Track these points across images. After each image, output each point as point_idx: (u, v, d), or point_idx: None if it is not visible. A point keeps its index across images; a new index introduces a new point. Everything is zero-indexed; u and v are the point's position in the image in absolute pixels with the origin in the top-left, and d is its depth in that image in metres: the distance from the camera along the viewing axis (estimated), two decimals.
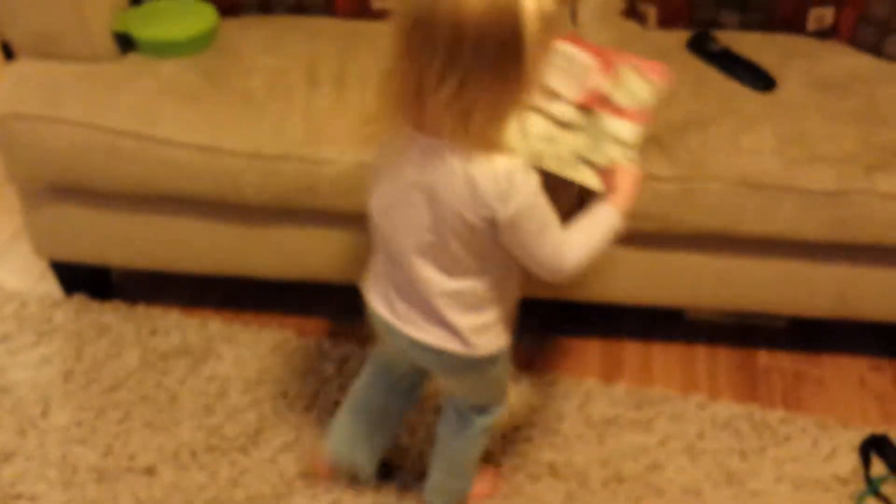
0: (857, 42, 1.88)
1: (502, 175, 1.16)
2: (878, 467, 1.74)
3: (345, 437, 1.61)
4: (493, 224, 1.20)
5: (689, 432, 1.79)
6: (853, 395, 1.91)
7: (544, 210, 1.22)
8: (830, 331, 2.00)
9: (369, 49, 1.85)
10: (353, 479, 1.65)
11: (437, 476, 1.60)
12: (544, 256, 1.25)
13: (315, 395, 1.83)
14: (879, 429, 1.80)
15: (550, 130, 1.37)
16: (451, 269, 1.27)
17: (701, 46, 1.89)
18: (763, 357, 1.98)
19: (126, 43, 1.81)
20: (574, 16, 2.02)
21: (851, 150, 1.68)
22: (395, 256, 1.30)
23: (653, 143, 1.68)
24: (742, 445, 1.77)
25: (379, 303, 1.38)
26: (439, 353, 1.34)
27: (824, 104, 1.75)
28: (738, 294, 1.83)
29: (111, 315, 1.99)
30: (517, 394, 1.81)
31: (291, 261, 1.88)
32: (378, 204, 1.30)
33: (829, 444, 1.78)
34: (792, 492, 1.70)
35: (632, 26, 1.98)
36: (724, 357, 1.98)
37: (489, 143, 1.16)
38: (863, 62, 1.86)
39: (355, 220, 1.77)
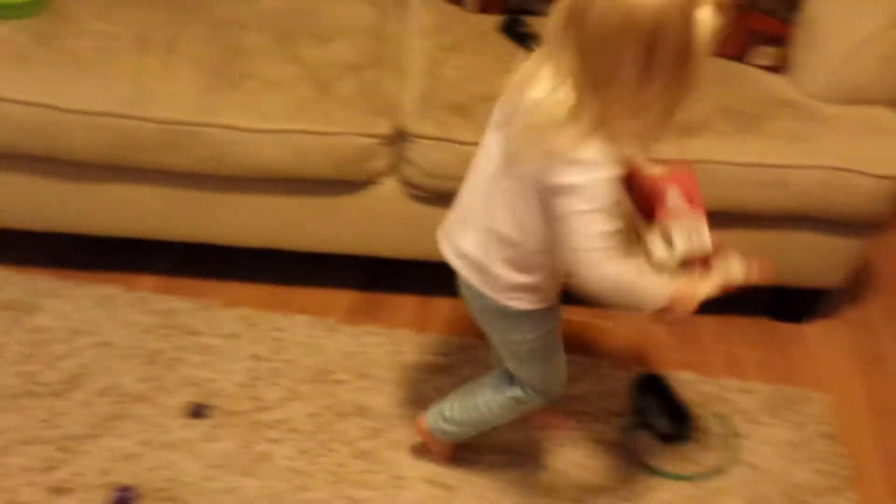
0: None
1: (591, 150, 1.19)
2: (650, 402, 1.96)
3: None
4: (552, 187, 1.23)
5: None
6: (634, 342, 2.13)
7: (601, 201, 1.22)
8: None
9: (202, 19, 1.98)
10: None
11: (447, 403, 1.67)
12: (573, 244, 1.26)
13: (136, 345, 1.93)
14: (654, 370, 2.02)
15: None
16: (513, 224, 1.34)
17: (512, 29, 2.09)
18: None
19: None
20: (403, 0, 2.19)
21: None
22: (482, 192, 1.38)
23: (459, 111, 1.86)
24: None
25: (448, 249, 1.47)
26: (470, 287, 1.45)
27: None
28: None
29: None
30: None
31: (120, 218, 1.99)
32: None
33: (607, 383, 1.99)
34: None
35: (452, 9, 2.16)
36: None
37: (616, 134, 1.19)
38: None
39: (181, 178, 1.90)
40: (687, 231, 1.36)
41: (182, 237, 2.03)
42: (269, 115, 1.82)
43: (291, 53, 1.93)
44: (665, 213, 1.37)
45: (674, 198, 1.37)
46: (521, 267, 1.38)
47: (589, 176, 1.20)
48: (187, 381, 1.88)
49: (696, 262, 1.36)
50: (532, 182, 1.27)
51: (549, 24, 1.19)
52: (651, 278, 1.32)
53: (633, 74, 1.13)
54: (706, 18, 1.12)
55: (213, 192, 1.92)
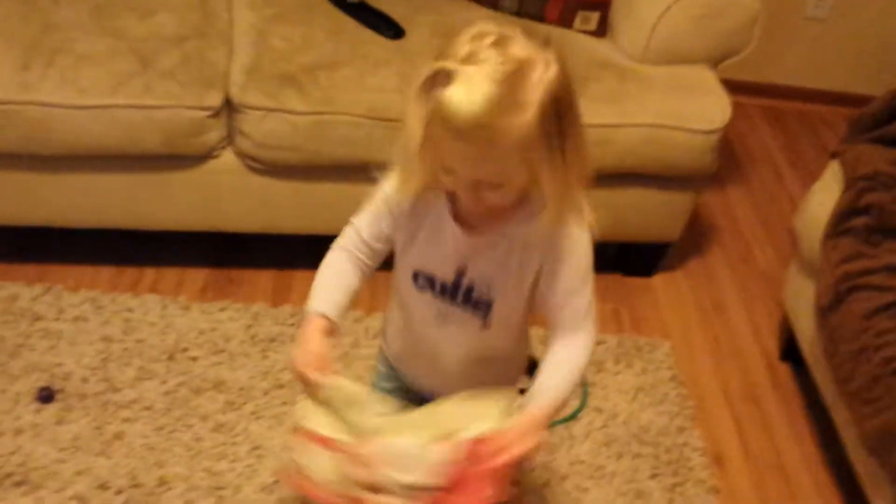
0: None
1: None
2: None
3: None
4: None
5: (343, 342, 1.98)
6: None
7: None
8: None
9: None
10: None
11: None
12: None
13: None
14: None
15: None
16: None
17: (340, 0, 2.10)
18: None
19: None
20: None
21: None
22: None
23: (289, 82, 1.86)
24: None
25: None
26: None
27: None
28: None
29: None
30: None
31: None
32: None
33: None
34: None
35: None
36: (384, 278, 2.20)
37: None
38: (481, 14, 2.14)
39: (5, 159, 1.84)
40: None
41: (15, 221, 1.96)
42: (87, 90, 1.78)
43: (109, 27, 1.88)
44: None
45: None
46: None
47: None
48: (34, 366, 1.82)
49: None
50: None
51: None
52: None
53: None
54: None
55: (42, 172, 1.87)
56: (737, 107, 2.10)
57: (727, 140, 2.89)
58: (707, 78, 2.10)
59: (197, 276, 2.11)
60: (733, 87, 2.13)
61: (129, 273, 2.08)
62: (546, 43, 1.04)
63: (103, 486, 1.64)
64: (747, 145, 2.91)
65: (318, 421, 1.16)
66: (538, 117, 1.00)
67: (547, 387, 1.18)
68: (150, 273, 2.09)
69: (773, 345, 2.20)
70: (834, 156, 1.95)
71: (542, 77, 1.01)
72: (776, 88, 3.08)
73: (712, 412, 2.01)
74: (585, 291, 1.19)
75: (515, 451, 1.10)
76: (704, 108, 2.03)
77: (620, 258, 2.34)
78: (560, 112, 1.02)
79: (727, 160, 2.80)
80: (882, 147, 1.89)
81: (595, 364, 2.04)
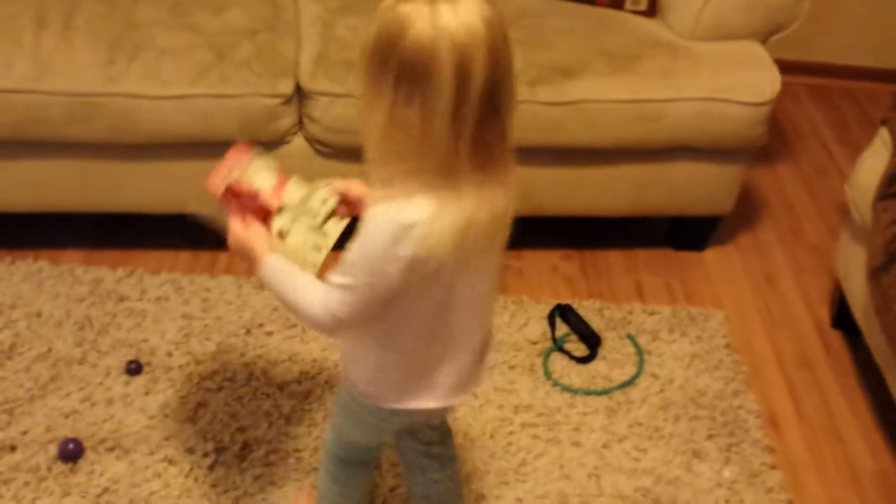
0: None
1: None
2: (563, 329, 2.11)
3: None
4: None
5: None
6: (546, 278, 2.28)
7: None
8: (530, 228, 2.35)
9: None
10: None
11: None
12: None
13: (67, 314, 1.99)
14: (566, 301, 2.17)
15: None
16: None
17: None
18: None
19: None
20: None
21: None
22: (475, 321, 1.22)
23: (354, 68, 1.95)
24: None
25: (453, 393, 1.27)
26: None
27: None
28: None
29: None
30: None
31: (36, 194, 2.04)
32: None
33: (524, 315, 2.13)
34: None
35: None
36: None
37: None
38: (531, 1, 2.23)
39: (92, 149, 1.97)
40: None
41: (100, 208, 2.10)
42: (169, 81, 1.90)
43: (186, 23, 2.01)
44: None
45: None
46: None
47: None
48: (121, 343, 1.95)
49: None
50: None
51: None
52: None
53: None
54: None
55: (126, 161, 2.00)
56: (784, 86, 2.15)
57: (775, 118, 2.94)
58: (756, 52, 2.16)
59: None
60: (780, 66, 2.18)
61: (205, 256, 2.20)
62: None
63: (191, 450, 1.76)
64: (795, 123, 2.95)
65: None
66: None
67: (289, 271, 1.20)
68: (224, 256, 2.21)
69: (824, 314, 2.25)
70: (883, 123, 2.00)
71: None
72: (822, 67, 3.11)
73: (766, 377, 2.07)
74: (343, 268, 1.11)
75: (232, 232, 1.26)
76: (754, 81, 2.09)
77: (671, 233, 2.41)
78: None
79: (776, 138, 2.85)
80: None
81: (650, 333, 2.11)
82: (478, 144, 1.02)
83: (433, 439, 1.48)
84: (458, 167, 1.02)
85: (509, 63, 1.04)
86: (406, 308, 1.13)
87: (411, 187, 1.04)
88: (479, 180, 1.04)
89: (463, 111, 0.99)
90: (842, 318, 2.16)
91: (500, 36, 1.01)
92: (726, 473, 1.84)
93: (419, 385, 1.24)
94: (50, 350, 1.91)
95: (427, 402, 1.25)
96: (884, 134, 1.97)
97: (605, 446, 1.86)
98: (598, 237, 2.40)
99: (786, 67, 3.10)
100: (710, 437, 1.90)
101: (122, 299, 2.05)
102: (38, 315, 1.98)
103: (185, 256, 2.20)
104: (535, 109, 2.00)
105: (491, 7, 1.01)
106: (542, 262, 2.32)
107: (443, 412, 1.41)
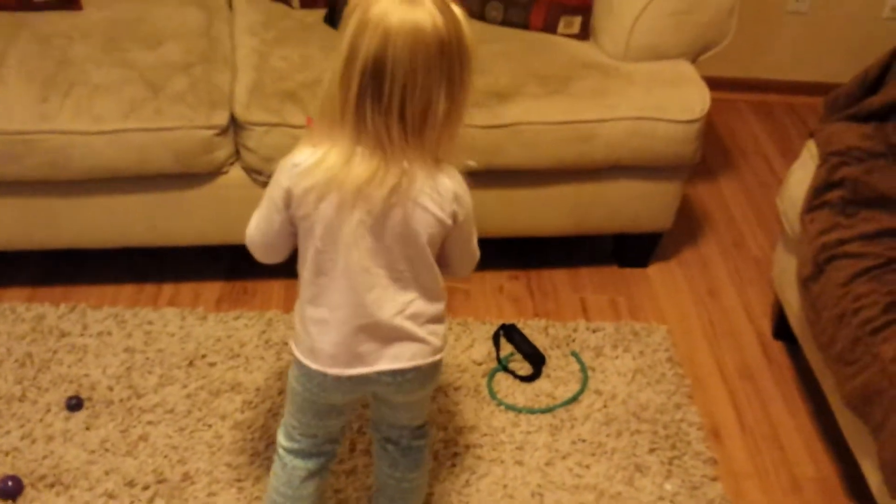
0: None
1: (459, 182, 1.29)
2: (508, 349, 2.12)
3: None
4: (454, 222, 1.30)
5: None
6: (493, 299, 2.30)
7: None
8: None
9: (28, 35, 2.07)
10: None
11: None
12: (475, 247, 1.41)
13: (9, 352, 1.99)
14: (511, 321, 2.18)
15: None
16: (404, 285, 1.33)
17: (333, 20, 2.23)
18: None
19: None
20: (230, 1, 2.32)
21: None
22: (352, 295, 1.31)
23: (289, 98, 1.99)
24: None
25: (333, 363, 1.36)
26: (411, 371, 1.38)
27: None
28: None
29: None
30: None
31: None
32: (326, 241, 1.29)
33: (469, 337, 2.14)
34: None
35: (278, 7, 2.29)
36: None
37: (447, 155, 1.27)
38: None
39: (27, 187, 1.98)
40: None
41: (41, 245, 2.10)
42: (102, 117, 1.91)
43: (121, 59, 2.03)
44: None
45: None
46: (437, 299, 1.39)
47: (469, 199, 1.32)
48: (62, 378, 1.94)
49: None
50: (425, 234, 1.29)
51: None
52: None
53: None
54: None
55: (64, 197, 2.01)
56: (726, 102, 2.20)
57: (718, 134, 3.00)
58: (686, 71, 2.20)
59: (213, 289, 2.23)
60: (721, 83, 2.22)
61: (149, 289, 2.21)
62: None
63: (131, 484, 1.75)
64: (738, 139, 3.00)
65: None
66: None
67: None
68: (168, 288, 2.21)
69: (766, 325, 2.29)
70: (811, 135, 2.05)
71: None
72: (763, 83, 3.17)
73: (708, 390, 2.10)
74: None
75: None
76: (685, 98, 2.13)
77: (617, 250, 2.44)
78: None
79: (718, 153, 2.90)
80: (854, 123, 1.98)
81: (594, 350, 2.14)
82: (360, 122, 1.20)
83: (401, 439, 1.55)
84: (341, 134, 1.22)
85: (442, 80, 1.19)
86: (301, 252, 1.35)
87: (317, 140, 1.25)
88: (357, 153, 1.22)
89: (357, 83, 1.19)
90: (782, 328, 2.20)
91: (440, 52, 1.18)
92: (668, 487, 1.85)
93: (308, 335, 1.37)
94: None
95: (309, 360, 1.38)
96: (811, 146, 2.01)
97: (548, 464, 1.87)
98: (545, 257, 2.43)
99: (729, 85, 3.18)
100: (652, 450, 1.92)
101: (63, 335, 2.05)
102: None
103: (128, 290, 2.20)
104: (473, 133, 2.03)
105: (450, 25, 1.19)
106: (490, 283, 2.34)
107: (346, 389, 1.40)
